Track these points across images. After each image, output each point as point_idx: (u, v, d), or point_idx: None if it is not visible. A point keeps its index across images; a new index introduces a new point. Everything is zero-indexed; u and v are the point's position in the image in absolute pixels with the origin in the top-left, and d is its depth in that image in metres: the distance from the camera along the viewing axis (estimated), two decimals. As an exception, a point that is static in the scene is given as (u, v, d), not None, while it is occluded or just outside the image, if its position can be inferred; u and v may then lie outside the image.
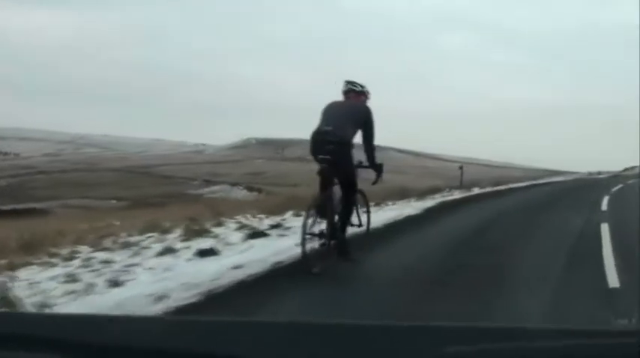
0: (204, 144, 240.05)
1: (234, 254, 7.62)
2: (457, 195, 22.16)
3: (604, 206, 17.62)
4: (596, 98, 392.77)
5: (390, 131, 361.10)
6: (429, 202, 17.72)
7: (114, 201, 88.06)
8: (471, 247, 9.55)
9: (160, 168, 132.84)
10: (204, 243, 8.11)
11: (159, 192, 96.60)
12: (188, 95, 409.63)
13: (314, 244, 7.14)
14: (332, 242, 7.32)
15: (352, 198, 7.63)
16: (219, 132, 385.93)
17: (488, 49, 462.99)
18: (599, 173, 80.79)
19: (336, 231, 7.39)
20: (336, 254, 7.34)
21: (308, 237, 6.98)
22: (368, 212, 8.35)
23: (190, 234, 8.90)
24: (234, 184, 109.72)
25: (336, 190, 7.45)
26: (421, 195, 20.43)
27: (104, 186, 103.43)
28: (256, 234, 9.08)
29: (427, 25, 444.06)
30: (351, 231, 7.80)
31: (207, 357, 1.23)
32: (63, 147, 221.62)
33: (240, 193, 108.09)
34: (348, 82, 7.81)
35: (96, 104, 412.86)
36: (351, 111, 7.49)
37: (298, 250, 6.96)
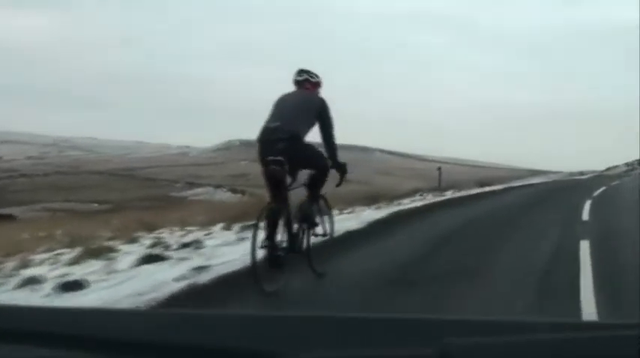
0: (187, 147, 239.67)
1: (105, 288, 6.14)
2: (428, 199, 20.74)
3: (585, 214, 14.87)
4: (579, 98, 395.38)
5: (377, 133, 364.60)
6: (388, 210, 15.51)
7: (95, 205, 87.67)
8: (395, 290, 6.49)
9: (144, 171, 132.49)
10: (89, 268, 7.03)
11: (142, 194, 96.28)
12: (173, 97, 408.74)
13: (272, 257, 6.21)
14: (288, 255, 6.36)
15: (316, 201, 6.86)
16: (204, 134, 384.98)
17: (473, 50, 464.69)
18: (582, 173, 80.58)
19: (296, 243, 6.54)
20: (286, 271, 6.25)
21: (262, 249, 6.11)
22: (331, 218, 7.41)
23: (84, 256, 7.76)
24: (217, 186, 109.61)
25: (292, 195, 6.54)
26: (392, 199, 19.65)
27: (87, 189, 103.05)
28: (152, 258, 7.56)
29: (408, 26, 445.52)
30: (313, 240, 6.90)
31: (212, 351, 1.22)
32: (47, 150, 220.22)
33: (224, 195, 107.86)
34: (303, 71, 6.95)
35: (80, 107, 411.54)
36: (303, 103, 6.60)
37: (182, 283, 6.10)
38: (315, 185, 6.73)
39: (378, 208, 16.14)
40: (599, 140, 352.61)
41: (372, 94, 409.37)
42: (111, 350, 1.27)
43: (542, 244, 9.49)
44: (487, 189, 29.80)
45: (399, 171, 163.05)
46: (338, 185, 7.06)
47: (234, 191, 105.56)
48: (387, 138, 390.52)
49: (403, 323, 1.28)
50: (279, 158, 6.14)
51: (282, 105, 6.53)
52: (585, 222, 13.35)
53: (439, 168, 30.50)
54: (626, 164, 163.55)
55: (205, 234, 10.10)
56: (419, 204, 18.67)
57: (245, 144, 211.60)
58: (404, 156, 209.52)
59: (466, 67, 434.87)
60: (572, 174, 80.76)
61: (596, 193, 23.84)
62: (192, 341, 1.23)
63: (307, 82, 6.86)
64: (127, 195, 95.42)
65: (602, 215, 14.97)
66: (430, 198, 21.26)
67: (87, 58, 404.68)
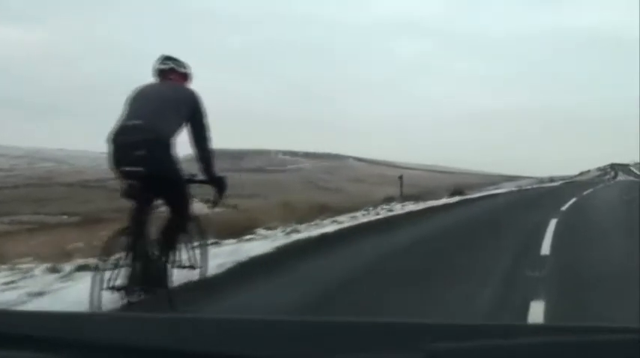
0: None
1: None
2: (372, 216, 17.93)
3: (546, 244, 10.06)
4: (552, 104, 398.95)
5: (351, 140, 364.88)
6: (305, 234, 12.15)
7: (65, 217, 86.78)
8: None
9: (114, 182, 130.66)
10: None
11: (112, 206, 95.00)
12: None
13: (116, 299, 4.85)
14: (145, 296, 5.01)
15: (183, 228, 5.42)
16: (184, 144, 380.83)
17: (445, 56, 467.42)
18: (552, 179, 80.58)
19: (155, 280, 5.09)
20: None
21: (107, 291, 4.75)
22: (204, 248, 5.88)
23: None
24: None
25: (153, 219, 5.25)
26: (338, 213, 18.14)
27: (57, 201, 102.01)
28: None
29: (384, 32, 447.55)
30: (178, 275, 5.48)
31: (211, 355, 1.22)
32: (17, 162, 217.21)
33: (197, 206, 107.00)
34: (169, 58, 5.52)
35: (52, 118, 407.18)
36: (170, 97, 5.20)
37: None
38: (178, 204, 5.40)
39: (295, 231, 12.59)
40: (571, 145, 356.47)
41: (347, 101, 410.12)
42: (108, 355, 1.25)
43: (470, 307, 5.72)
44: (442, 201, 25.93)
45: (371, 178, 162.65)
46: (213, 206, 5.87)
47: (205, 201, 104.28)
48: (360, 146, 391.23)
49: (391, 328, 1.27)
50: (140, 168, 4.87)
51: (143, 99, 5.16)
52: (544, 258, 8.73)
53: (400, 177, 29.32)
54: (598, 169, 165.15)
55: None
56: (364, 220, 16.21)
57: (216, 153, 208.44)
58: (376, 164, 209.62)
59: (440, 74, 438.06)
60: (542, 180, 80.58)
61: (564, 207, 19.93)
62: (187, 345, 1.23)
63: (173, 72, 5.48)
64: (97, 206, 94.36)
65: (570, 246, 10.40)
66: (373, 215, 18.06)
67: (60, 69, 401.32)
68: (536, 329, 1.30)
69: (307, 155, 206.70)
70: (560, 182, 65.91)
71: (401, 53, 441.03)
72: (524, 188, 48.81)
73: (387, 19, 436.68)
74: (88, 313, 3.15)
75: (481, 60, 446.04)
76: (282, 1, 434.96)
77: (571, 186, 50.67)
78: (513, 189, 48.22)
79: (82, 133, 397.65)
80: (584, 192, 32.76)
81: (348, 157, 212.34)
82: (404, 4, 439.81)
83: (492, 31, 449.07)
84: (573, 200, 24.50)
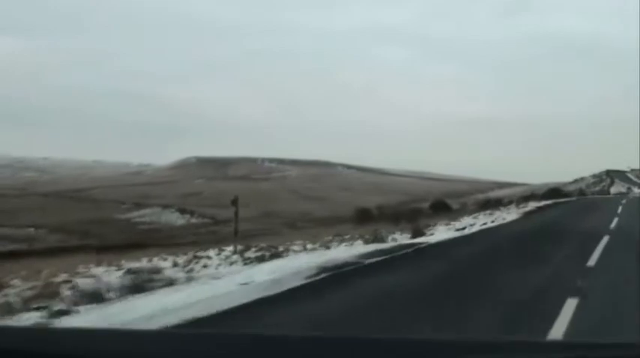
0: (148, 165, 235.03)
1: None
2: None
3: None
4: (547, 110, 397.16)
5: (340, 147, 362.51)
6: None
7: (32, 229, 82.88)
8: None
9: (92, 192, 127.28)
10: None
11: (83, 217, 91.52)
12: (134, 115, 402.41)
13: None
14: None
15: None
16: (170, 152, 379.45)
17: (429, 62, 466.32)
18: (544, 193, 77.04)
19: None
20: None
21: None
22: None
23: None
24: (165, 206, 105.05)
25: None
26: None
27: (29, 212, 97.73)
28: None
29: (368, 39, 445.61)
30: None
31: None
32: (1, 171, 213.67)
33: (172, 216, 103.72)
34: None
35: (39, 127, 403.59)
36: None
37: None
38: None
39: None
40: (565, 151, 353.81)
41: (335, 109, 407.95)
42: None
43: None
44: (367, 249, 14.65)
45: (359, 185, 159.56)
46: None
47: (182, 211, 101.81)
48: (349, 153, 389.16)
49: (414, 345, 1.30)
50: None
51: None
52: None
53: (234, 201, 17.87)
54: (593, 176, 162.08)
55: None
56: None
57: (202, 161, 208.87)
58: (367, 171, 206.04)
59: (429, 81, 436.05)
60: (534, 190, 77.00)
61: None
62: None
63: None
64: (68, 218, 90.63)
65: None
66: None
67: (47, 79, 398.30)
68: (541, 345, 1.37)
69: (294, 163, 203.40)
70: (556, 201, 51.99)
71: (387, 59, 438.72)
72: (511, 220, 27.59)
73: (370, 25, 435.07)
74: (83, 328, 3.23)
75: (472, 67, 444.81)
76: (265, 11, 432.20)
77: (565, 209, 36.10)
78: (503, 221, 26.73)
79: (68, 142, 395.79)
80: (563, 222, 23.69)
81: (337, 165, 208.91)
82: (388, 10, 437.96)
83: (483, 37, 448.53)
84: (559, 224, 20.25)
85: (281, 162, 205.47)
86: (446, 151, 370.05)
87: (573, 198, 63.57)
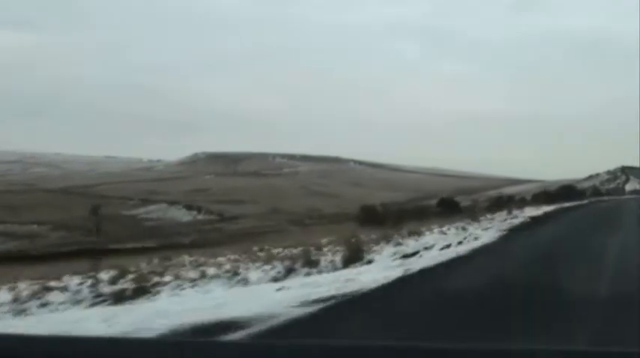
0: (158, 161, 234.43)
1: None
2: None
3: None
4: (562, 105, 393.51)
5: (351, 143, 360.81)
6: None
7: (35, 226, 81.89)
8: None
9: (100, 188, 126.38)
10: None
11: (89, 214, 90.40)
12: (147, 111, 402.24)
13: None
14: None
15: None
16: (181, 148, 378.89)
17: (442, 59, 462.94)
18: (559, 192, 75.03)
19: None
20: None
21: None
22: None
23: None
24: (172, 203, 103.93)
25: None
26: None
27: (34, 208, 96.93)
28: None
29: (383, 34, 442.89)
30: None
31: None
32: (11, 167, 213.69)
33: (178, 212, 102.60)
34: None
35: (52, 122, 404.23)
36: None
37: None
38: None
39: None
40: (580, 147, 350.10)
41: (347, 104, 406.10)
42: None
43: None
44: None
45: (370, 181, 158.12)
46: None
47: (189, 208, 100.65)
48: (361, 149, 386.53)
49: (432, 352, 1.29)
50: None
51: None
52: None
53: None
54: (608, 172, 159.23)
55: None
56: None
57: (211, 157, 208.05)
58: (377, 167, 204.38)
59: (442, 77, 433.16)
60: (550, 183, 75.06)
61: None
62: None
63: None
64: (73, 214, 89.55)
65: None
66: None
67: (62, 73, 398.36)
68: (547, 353, 1.35)
69: (305, 158, 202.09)
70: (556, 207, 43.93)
71: (399, 55, 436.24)
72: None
73: (383, 20, 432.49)
74: (91, 336, 3.24)
75: (485, 63, 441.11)
76: (277, 6, 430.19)
77: (586, 227, 24.96)
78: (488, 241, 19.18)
79: (81, 138, 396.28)
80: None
81: (348, 160, 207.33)
82: (400, 6, 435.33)
83: (496, 35, 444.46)
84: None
85: (292, 157, 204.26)
86: (459, 148, 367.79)
87: (584, 202, 58.29)
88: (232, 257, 17.92)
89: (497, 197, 75.78)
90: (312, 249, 16.76)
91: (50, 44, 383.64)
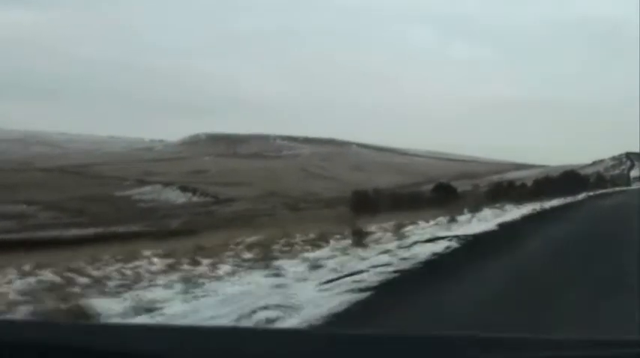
0: (160, 141, 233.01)
1: None
2: None
3: None
4: (565, 90, 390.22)
5: (355, 126, 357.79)
6: None
7: (24, 206, 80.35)
8: None
9: (97, 168, 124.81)
10: None
11: (82, 194, 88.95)
12: (151, 91, 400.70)
13: None
14: None
15: None
16: (183, 129, 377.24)
17: (449, 43, 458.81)
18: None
19: None
20: None
21: None
22: None
23: None
24: (167, 184, 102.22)
25: None
26: None
27: (27, 188, 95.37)
28: None
29: (391, 19, 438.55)
30: None
31: None
32: (10, 145, 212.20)
33: (172, 194, 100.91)
34: None
35: (57, 101, 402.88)
36: None
37: None
38: None
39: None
40: (584, 133, 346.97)
41: (353, 88, 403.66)
42: None
43: None
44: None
45: (373, 165, 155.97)
46: None
47: (184, 189, 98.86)
48: (366, 133, 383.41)
49: (439, 340, 1.30)
50: None
51: None
52: None
53: None
54: (613, 158, 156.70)
55: None
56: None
57: (212, 138, 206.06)
58: (381, 150, 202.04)
59: (450, 62, 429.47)
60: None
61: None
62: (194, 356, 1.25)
63: None
64: (66, 194, 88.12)
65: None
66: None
67: (63, 52, 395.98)
68: (560, 342, 1.31)
69: (307, 140, 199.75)
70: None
71: (406, 38, 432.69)
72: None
73: (391, 2, 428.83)
74: (92, 323, 3.47)
75: (490, 48, 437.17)
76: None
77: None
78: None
79: (85, 117, 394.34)
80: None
81: (351, 143, 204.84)
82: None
83: (503, 21, 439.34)
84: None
85: (294, 140, 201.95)
86: (466, 133, 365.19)
87: (579, 198, 47.66)
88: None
89: (497, 182, 74.03)
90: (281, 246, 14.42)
91: (57, 23, 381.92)
